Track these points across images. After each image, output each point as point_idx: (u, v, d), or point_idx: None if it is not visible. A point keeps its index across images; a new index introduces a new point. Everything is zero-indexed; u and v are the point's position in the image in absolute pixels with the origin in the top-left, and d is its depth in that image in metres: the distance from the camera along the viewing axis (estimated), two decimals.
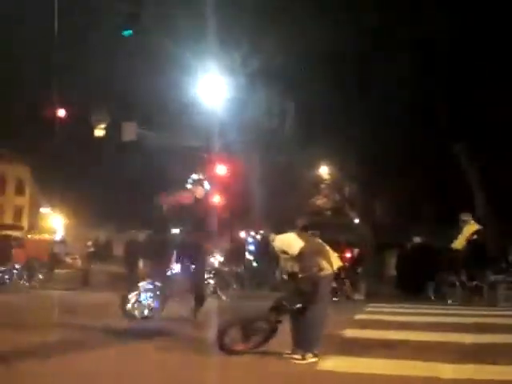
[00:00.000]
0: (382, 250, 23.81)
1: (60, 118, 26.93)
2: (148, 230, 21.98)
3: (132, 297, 9.34)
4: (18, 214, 62.61)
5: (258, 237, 18.44)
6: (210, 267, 13.78)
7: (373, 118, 22.05)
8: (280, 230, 6.86)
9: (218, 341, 6.44)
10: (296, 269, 6.38)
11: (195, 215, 9.23)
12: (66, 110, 26.90)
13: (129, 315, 9.19)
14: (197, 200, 9.55)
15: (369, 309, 12.67)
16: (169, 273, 9.59)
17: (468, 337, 7.77)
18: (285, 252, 6.47)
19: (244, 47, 24.61)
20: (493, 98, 19.07)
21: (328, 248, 6.60)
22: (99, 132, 26.80)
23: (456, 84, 19.44)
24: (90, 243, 21.91)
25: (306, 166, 29.22)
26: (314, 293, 6.24)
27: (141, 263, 18.78)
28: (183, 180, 9.90)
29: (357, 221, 28.80)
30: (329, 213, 31.71)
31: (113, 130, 27.00)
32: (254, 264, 20.11)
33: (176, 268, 9.52)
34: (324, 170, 31.21)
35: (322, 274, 6.35)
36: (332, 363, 6.06)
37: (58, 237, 43.42)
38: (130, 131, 25.83)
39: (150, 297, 9.31)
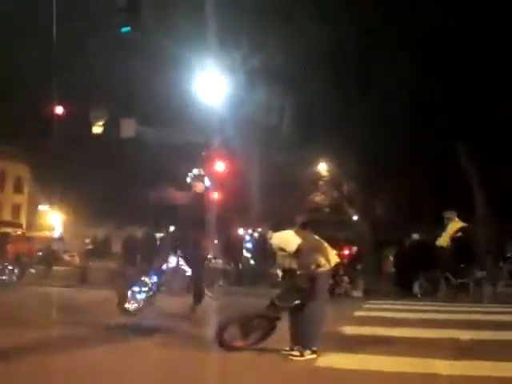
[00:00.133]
0: (381, 247, 23.81)
1: (58, 116, 26.91)
2: (145, 226, 22.03)
3: (129, 293, 9.28)
4: (16, 211, 62.57)
5: (256, 234, 18.44)
6: None
7: (372, 118, 22.05)
8: (278, 228, 6.85)
9: (217, 337, 6.45)
10: (294, 266, 6.38)
11: (194, 211, 9.14)
12: (65, 108, 26.89)
13: (126, 312, 9.13)
14: (196, 195, 9.46)
15: (367, 306, 12.69)
16: (164, 267, 9.50)
17: (464, 333, 7.78)
18: (282, 249, 6.47)
19: (244, 46, 24.61)
20: (493, 98, 19.07)
21: (326, 245, 6.60)
22: (97, 129, 26.77)
23: (456, 84, 19.42)
24: (88, 240, 21.89)
25: (304, 164, 29.21)
26: (312, 289, 6.25)
27: (139, 260, 18.77)
28: (182, 177, 9.89)
29: (355, 218, 28.81)
30: (327, 210, 31.73)
31: (111, 127, 26.97)
32: (252, 262, 20.09)
33: (172, 262, 9.43)
34: (323, 167, 31.21)
35: (320, 270, 6.35)
36: (330, 360, 6.06)
37: (56, 234, 43.43)
38: (128, 128, 25.81)
39: (145, 292, 9.22)
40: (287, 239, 6.50)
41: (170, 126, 27.68)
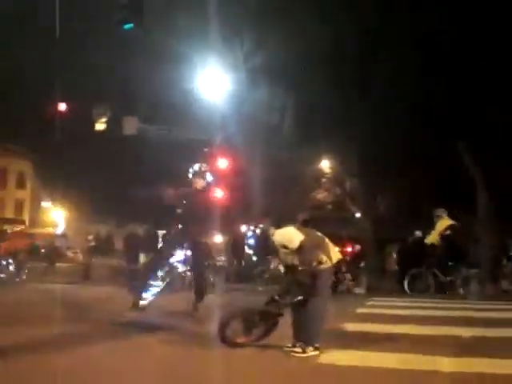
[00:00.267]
0: (384, 245, 23.82)
1: (61, 113, 26.96)
2: (147, 223, 22.06)
3: (143, 290, 9.19)
4: (18, 207, 62.68)
5: (258, 231, 18.42)
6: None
7: (373, 117, 21.99)
8: (280, 225, 6.86)
9: (219, 333, 6.47)
10: (296, 262, 6.39)
11: (195, 207, 9.08)
12: (68, 105, 26.92)
13: (139, 309, 9.06)
14: (197, 191, 9.39)
15: (370, 303, 12.68)
16: (170, 261, 9.47)
17: (466, 331, 7.79)
18: (284, 246, 6.48)
19: (246, 44, 24.58)
20: (494, 97, 19.03)
21: (328, 241, 6.61)
22: (100, 126, 26.80)
23: (457, 83, 19.37)
24: (91, 237, 21.93)
25: (306, 161, 29.20)
26: (314, 285, 6.26)
27: (141, 257, 18.79)
28: (184, 174, 9.86)
29: (358, 215, 28.78)
30: (329, 207, 31.72)
31: (114, 124, 27.01)
32: (254, 258, 20.11)
33: (178, 256, 9.38)
34: (325, 165, 31.20)
35: (322, 267, 6.36)
36: (333, 357, 6.07)
37: (59, 231, 43.56)
38: (130, 125, 25.88)
39: (157, 286, 9.16)
40: (290, 236, 6.50)
41: (173, 124, 27.71)
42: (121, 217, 49.92)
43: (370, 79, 21.37)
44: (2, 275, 18.54)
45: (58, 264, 29.76)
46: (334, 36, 20.30)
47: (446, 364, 5.68)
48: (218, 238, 22.85)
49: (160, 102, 28.01)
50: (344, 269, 15.72)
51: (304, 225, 7.12)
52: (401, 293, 14.87)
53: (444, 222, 14.62)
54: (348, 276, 16.03)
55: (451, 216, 15.27)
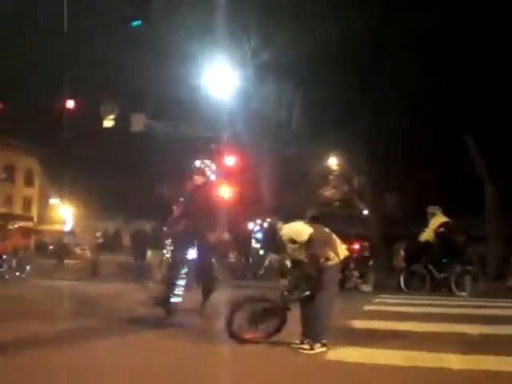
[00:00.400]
0: (392, 242, 23.79)
1: (69, 110, 27.05)
2: (154, 220, 22.09)
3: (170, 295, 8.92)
4: (27, 205, 62.89)
5: (265, 225, 18.38)
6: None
7: (379, 115, 21.99)
8: (289, 221, 6.86)
9: (227, 322, 6.55)
10: (303, 257, 6.40)
11: (196, 203, 9.00)
12: (76, 102, 27.00)
13: (167, 308, 8.80)
14: (196, 188, 9.32)
15: (377, 300, 12.67)
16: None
17: (474, 328, 7.78)
18: (293, 240, 6.48)
19: (253, 40, 24.59)
20: (500, 93, 18.98)
21: (335, 238, 6.61)
22: (108, 123, 26.88)
23: (464, 79, 19.31)
24: (99, 234, 21.99)
25: (314, 158, 29.18)
26: (320, 279, 6.27)
27: (148, 253, 18.83)
28: (191, 171, 9.84)
29: (366, 212, 28.77)
30: (337, 204, 31.72)
31: (121, 121, 27.07)
32: (261, 252, 20.12)
33: (190, 255, 9.26)
34: (333, 162, 31.17)
35: (329, 263, 6.37)
36: (341, 354, 6.07)
37: (67, 228, 43.69)
38: (138, 122, 25.96)
39: (182, 285, 8.97)
40: (298, 229, 6.52)
41: (180, 121, 27.76)
42: (128, 213, 50.12)
43: (375, 77, 21.31)
44: (2, 269, 18.65)
45: (66, 261, 29.87)
46: (341, 33, 20.28)
47: (453, 361, 5.67)
48: (226, 235, 22.88)
49: (167, 99, 28.04)
50: (352, 266, 15.72)
51: (312, 221, 7.11)
52: (408, 290, 14.84)
53: (438, 220, 14.63)
54: (355, 273, 16.02)
55: (454, 214, 15.24)
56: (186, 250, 8.97)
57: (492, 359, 5.82)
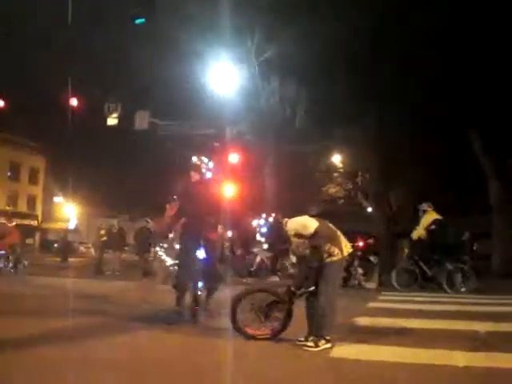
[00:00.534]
0: (397, 239, 23.77)
1: (73, 108, 27.10)
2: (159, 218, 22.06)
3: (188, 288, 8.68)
4: (31, 203, 63.06)
5: (271, 219, 18.41)
6: (175, 254, 13.72)
7: (385, 110, 21.94)
8: (292, 217, 6.87)
9: (231, 316, 6.61)
10: (307, 252, 6.41)
11: (192, 201, 8.82)
12: (79, 100, 27.05)
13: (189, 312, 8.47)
14: (192, 185, 9.13)
15: (381, 297, 12.67)
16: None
17: (480, 325, 7.75)
18: (298, 235, 6.49)
19: (257, 37, 24.56)
20: (505, 87, 18.92)
21: (340, 234, 6.62)
22: (112, 121, 26.92)
23: (470, 73, 19.25)
24: (103, 232, 21.98)
25: (318, 155, 29.16)
26: (323, 274, 6.28)
27: (152, 251, 18.82)
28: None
29: (370, 210, 28.72)
30: (342, 201, 31.69)
31: (125, 119, 27.11)
32: (265, 246, 20.10)
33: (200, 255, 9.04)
34: (337, 159, 31.14)
35: (333, 259, 6.37)
36: (345, 351, 6.07)
37: (71, 226, 43.75)
38: (142, 120, 26.00)
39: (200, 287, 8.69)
40: (305, 223, 6.54)
41: (184, 118, 27.77)
42: (133, 211, 50.23)
43: (378, 76, 21.27)
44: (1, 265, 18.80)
45: (70, 259, 29.99)
46: (345, 31, 20.24)
47: (459, 358, 5.65)
48: (228, 233, 22.90)
49: (171, 97, 28.04)
50: (356, 263, 15.71)
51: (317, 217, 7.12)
52: (412, 287, 14.82)
53: (429, 217, 14.66)
54: (359, 270, 16.00)
55: (459, 211, 15.28)
56: (194, 250, 8.79)
57: (498, 356, 5.80)
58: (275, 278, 17.85)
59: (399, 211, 25.81)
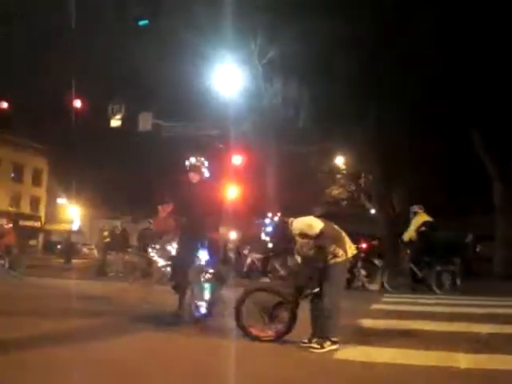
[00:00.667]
0: (399, 242, 23.77)
1: (77, 109, 27.14)
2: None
3: (192, 290, 8.56)
4: (35, 204, 63.10)
5: (276, 219, 18.40)
6: (167, 256, 13.69)
7: (388, 111, 21.94)
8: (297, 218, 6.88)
9: (236, 316, 6.63)
10: (312, 252, 6.42)
11: (191, 203, 8.66)
12: (83, 102, 27.08)
13: (190, 313, 8.43)
14: (191, 186, 8.93)
15: (385, 299, 12.66)
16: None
17: (482, 327, 7.75)
18: (303, 234, 6.51)
19: (260, 38, 24.58)
20: (509, 86, 18.89)
21: (345, 235, 6.63)
22: (115, 123, 26.96)
23: (472, 73, 19.23)
24: (106, 233, 22.00)
25: (321, 156, 29.15)
26: (327, 275, 6.29)
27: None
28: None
29: (373, 211, 28.71)
30: (345, 203, 31.69)
31: (129, 121, 27.14)
32: (270, 245, 20.08)
33: (202, 257, 8.95)
34: (340, 160, 31.14)
35: (337, 260, 6.38)
36: (349, 353, 6.08)
37: (74, 227, 43.77)
38: (145, 121, 26.02)
39: (206, 288, 8.53)
40: (310, 223, 6.57)
41: (187, 120, 27.78)
42: (135, 213, 50.21)
43: (381, 75, 21.27)
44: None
45: (73, 260, 29.99)
46: (348, 31, 20.25)
47: (462, 360, 5.66)
48: (232, 234, 22.91)
49: (174, 98, 28.09)
50: (359, 265, 15.70)
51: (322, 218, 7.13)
52: (415, 289, 14.82)
53: (420, 218, 14.74)
54: (363, 272, 15.99)
55: (461, 212, 15.32)
56: (192, 252, 8.73)
57: (500, 358, 5.81)
58: (266, 280, 17.86)
59: (402, 212, 25.80)
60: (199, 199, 8.61)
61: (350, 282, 14.41)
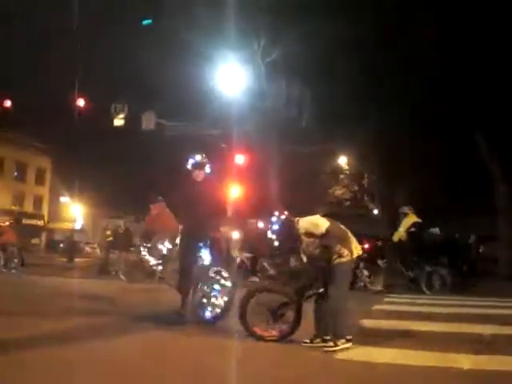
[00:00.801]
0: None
1: (80, 108, 27.17)
2: None
3: (199, 290, 8.35)
4: (38, 203, 63.22)
5: (283, 217, 18.41)
6: (158, 254, 13.68)
7: (391, 112, 21.93)
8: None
9: (240, 315, 6.64)
10: (317, 252, 6.42)
11: (196, 201, 8.55)
12: (86, 101, 27.11)
13: (195, 315, 8.24)
14: (196, 184, 8.83)
15: (387, 299, 12.65)
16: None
17: (485, 328, 7.75)
18: (308, 234, 6.50)
19: (263, 38, 24.60)
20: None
21: (351, 235, 6.63)
22: (118, 122, 26.99)
23: (475, 75, 19.20)
24: (109, 232, 22.02)
25: (324, 157, 29.15)
26: (332, 274, 6.29)
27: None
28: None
29: (376, 212, 28.68)
30: (348, 203, 31.66)
31: (132, 120, 27.18)
32: (276, 243, 20.06)
33: (205, 257, 8.90)
34: (343, 161, 31.12)
35: (343, 260, 6.37)
36: (351, 352, 6.09)
37: (77, 226, 43.81)
38: (148, 121, 26.07)
39: (217, 290, 8.23)
40: (316, 222, 6.58)
41: (190, 119, 27.80)
42: (138, 212, 50.22)
43: (384, 76, 21.27)
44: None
45: (76, 259, 29.99)
46: (351, 31, 20.25)
47: (463, 361, 5.65)
48: (235, 234, 22.87)
49: (177, 98, 28.11)
50: (362, 265, 15.69)
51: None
52: (417, 289, 14.81)
53: (409, 219, 14.80)
54: (365, 272, 15.97)
55: (464, 213, 15.35)
56: (195, 252, 8.74)
57: (503, 359, 5.81)
58: (255, 279, 17.87)
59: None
60: (204, 198, 8.53)
61: (352, 283, 14.39)
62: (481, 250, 23.66)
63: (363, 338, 6.89)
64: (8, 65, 36.03)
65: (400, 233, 14.85)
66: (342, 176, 32.10)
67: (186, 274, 8.49)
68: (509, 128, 19.33)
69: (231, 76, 24.87)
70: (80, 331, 7.08)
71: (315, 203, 27.19)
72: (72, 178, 35.55)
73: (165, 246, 13.42)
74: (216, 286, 8.22)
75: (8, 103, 28.41)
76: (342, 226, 6.72)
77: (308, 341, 6.35)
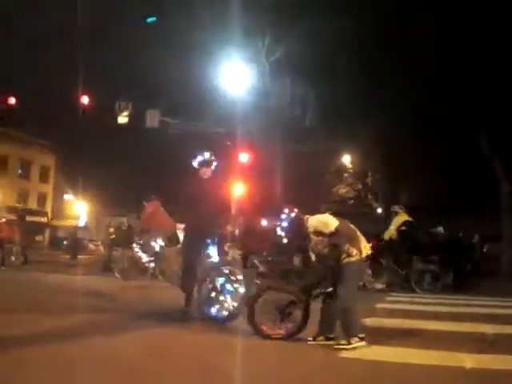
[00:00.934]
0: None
1: (84, 106, 27.18)
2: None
3: (205, 289, 8.24)
4: (42, 200, 63.34)
5: (292, 214, 18.40)
6: (151, 251, 13.66)
7: (395, 111, 21.91)
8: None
9: (248, 314, 6.64)
10: (326, 251, 6.41)
11: (202, 199, 8.50)
12: (90, 98, 27.12)
13: (200, 312, 8.17)
14: (202, 181, 8.78)
15: (390, 298, 12.64)
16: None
17: (487, 327, 7.75)
18: (317, 232, 6.50)
19: (268, 37, 24.60)
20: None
21: (359, 234, 6.63)
22: (123, 119, 27.00)
23: (479, 75, 19.17)
24: (111, 230, 22.05)
25: (328, 155, 29.14)
26: (341, 274, 6.28)
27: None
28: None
29: (379, 210, 28.67)
30: (351, 202, 31.64)
31: (136, 117, 27.18)
32: (285, 240, 20.05)
33: (213, 255, 8.62)
34: (347, 159, 31.10)
35: (351, 259, 6.37)
36: (354, 351, 6.09)
37: (81, 223, 43.91)
38: (153, 118, 26.06)
39: (229, 290, 8.10)
40: (326, 220, 6.58)
41: (194, 117, 27.80)
42: (141, 210, 50.31)
43: (387, 76, 21.25)
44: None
45: (79, 256, 30.01)
46: (355, 31, 20.25)
47: (467, 360, 5.65)
48: (238, 231, 22.86)
49: (182, 96, 28.13)
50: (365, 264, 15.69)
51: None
52: (410, 289, 14.82)
53: (400, 218, 14.86)
54: (368, 271, 15.96)
55: (468, 212, 15.34)
56: (200, 250, 8.57)
57: (506, 358, 5.81)
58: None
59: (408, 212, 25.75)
60: (209, 195, 8.52)
61: None
62: (485, 250, 23.66)
63: (366, 336, 6.88)
64: (11, 64, 36.11)
65: (390, 231, 14.92)
66: (345, 174, 32.08)
67: (190, 272, 8.43)
68: (511, 127, 19.30)
69: (235, 75, 24.85)
70: (83, 328, 7.08)
71: (319, 202, 27.18)
72: (76, 176, 35.68)
73: (157, 244, 13.39)
74: (228, 286, 8.11)
75: (12, 100, 28.44)
76: (352, 225, 6.71)
77: (311, 338, 6.35)
